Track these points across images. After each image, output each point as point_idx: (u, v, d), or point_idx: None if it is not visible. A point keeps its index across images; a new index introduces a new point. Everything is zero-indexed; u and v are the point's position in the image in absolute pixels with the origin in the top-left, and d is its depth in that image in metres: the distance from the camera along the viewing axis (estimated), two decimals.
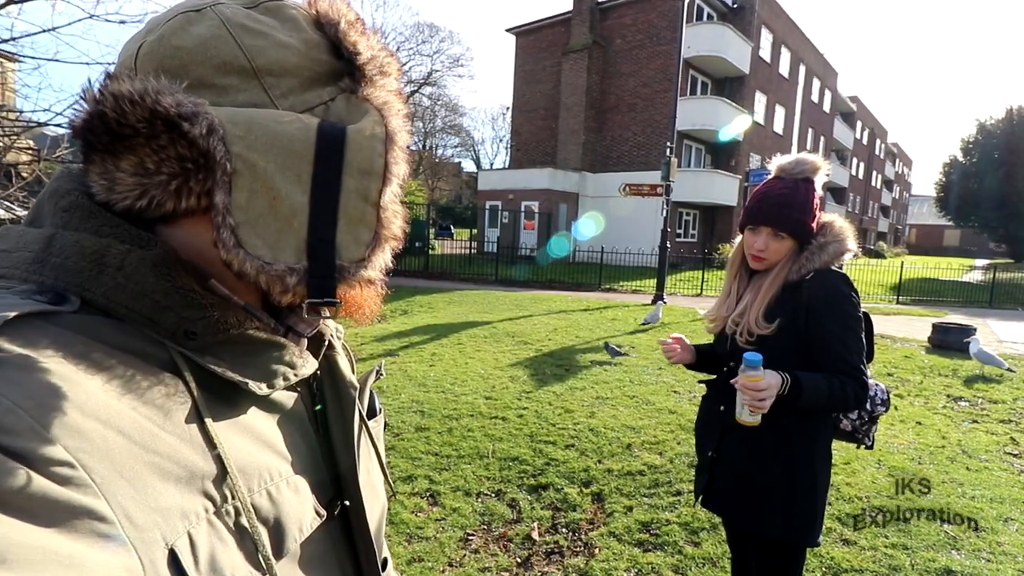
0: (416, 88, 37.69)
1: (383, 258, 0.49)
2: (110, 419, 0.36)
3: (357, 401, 0.59)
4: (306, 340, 0.55)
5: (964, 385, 5.57)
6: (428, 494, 3.09)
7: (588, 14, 21.94)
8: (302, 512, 0.48)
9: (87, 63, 3.30)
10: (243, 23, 0.45)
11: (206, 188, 0.42)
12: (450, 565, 2.51)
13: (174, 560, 0.36)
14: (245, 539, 0.42)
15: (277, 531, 0.45)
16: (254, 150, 0.42)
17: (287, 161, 0.43)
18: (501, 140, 47.56)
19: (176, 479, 0.38)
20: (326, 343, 0.59)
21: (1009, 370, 5.79)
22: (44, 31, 2.78)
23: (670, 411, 4.43)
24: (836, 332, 1.45)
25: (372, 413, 0.66)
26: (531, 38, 24.82)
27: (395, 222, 0.50)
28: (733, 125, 20.68)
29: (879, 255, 33.73)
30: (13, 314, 0.35)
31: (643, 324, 8.33)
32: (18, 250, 0.42)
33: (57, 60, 2.91)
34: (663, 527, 2.77)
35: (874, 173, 49.66)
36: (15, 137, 3.13)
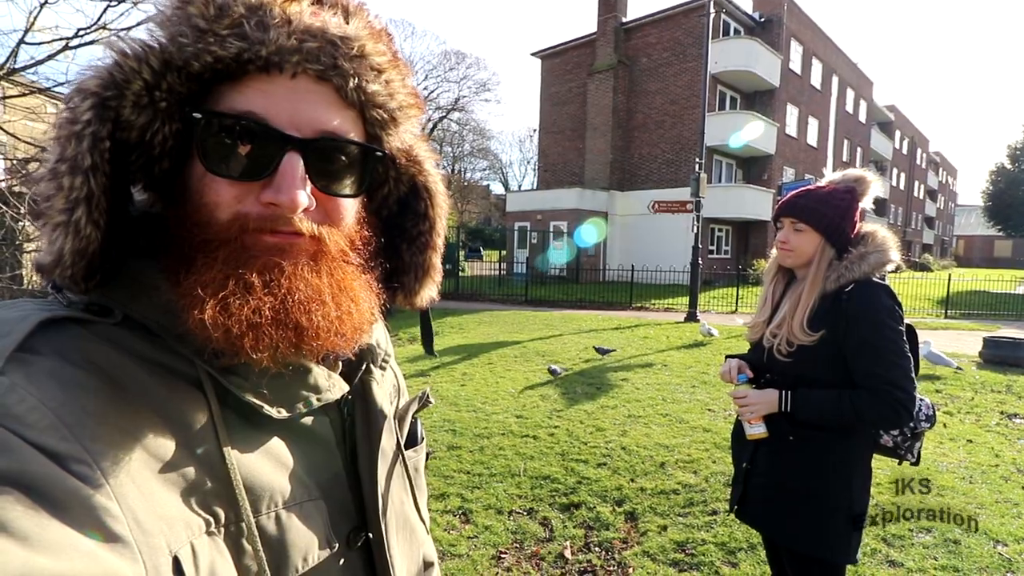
0: (444, 114, 38.68)
1: (58, 240, 0.39)
2: (126, 426, 0.37)
3: (393, 429, 0.58)
4: (340, 364, 0.54)
5: (1020, 401, 5.28)
6: (460, 512, 3.11)
7: (613, 35, 22.19)
8: (310, 540, 0.46)
9: None
10: None
11: None
12: None
13: (177, 568, 0.37)
14: (244, 559, 0.42)
15: (280, 556, 0.44)
16: None
17: None
18: (529, 161, 48.10)
19: (182, 491, 0.39)
20: (363, 367, 0.57)
21: (958, 369, 6.02)
22: None
23: (704, 429, 4.35)
24: (873, 344, 1.42)
25: (413, 442, 0.63)
26: (556, 60, 25.21)
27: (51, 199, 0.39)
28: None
29: (925, 268, 32.29)
30: (47, 316, 0.38)
31: (709, 335, 8.34)
32: None
33: None
34: (699, 547, 2.71)
35: (916, 183, 47.90)
36: None
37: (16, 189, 3.40)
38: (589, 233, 20.13)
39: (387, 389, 0.61)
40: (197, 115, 0.41)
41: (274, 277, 0.43)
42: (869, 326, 1.42)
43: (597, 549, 2.78)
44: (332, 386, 0.51)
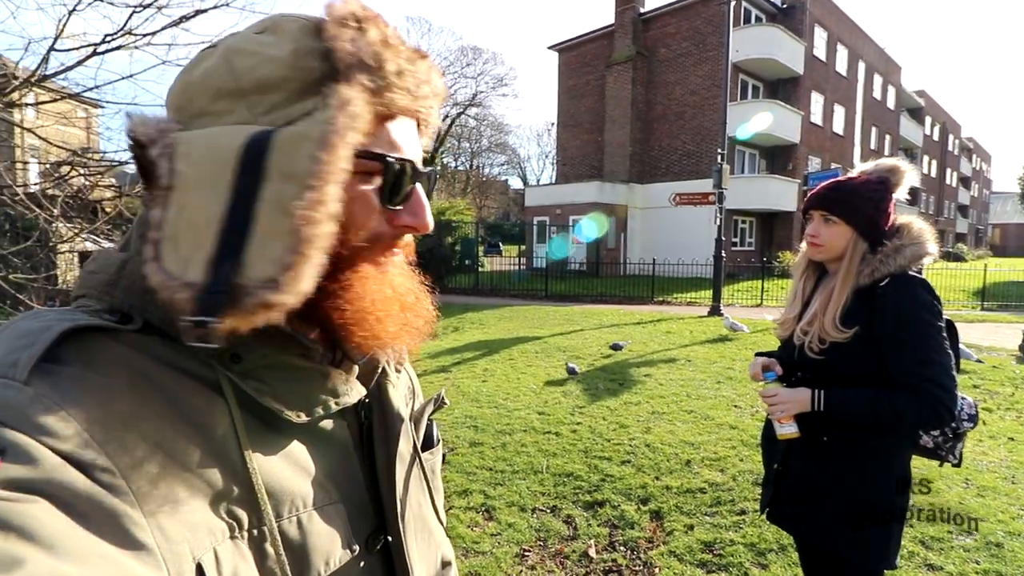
0: (462, 110, 38.67)
1: (308, 279, 0.39)
2: (150, 433, 0.38)
3: (409, 432, 0.59)
4: (357, 367, 0.55)
5: None
6: (483, 509, 3.10)
7: (631, 26, 21.89)
8: (331, 545, 0.47)
9: (162, 105, 3.65)
10: (241, 47, 0.44)
11: None
12: None
13: (201, 575, 0.37)
14: (267, 563, 0.42)
15: (302, 561, 0.45)
16: (192, 165, 0.41)
17: (213, 172, 0.40)
18: (547, 156, 47.88)
19: (206, 496, 0.39)
20: (379, 370, 0.58)
21: (978, 361, 5.85)
22: (123, 78, 3.03)
23: (731, 426, 4.27)
24: (911, 341, 1.35)
25: (429, 444, 0.63)
26: (574, 53, 24.98)
27: (328, 236, 0.40)
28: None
29: (959, 258, 31.20)
30: (70, 325, 0.38)
31: (733, 330, 7.98)
32: (100, 272, 0.45)
33: (135, 104, 3.19)
34: (727, 547, 2.66)
35: (948, 171, 46.36)
36: (99, 176, 3.44)
37: (49, 192, 3.50)
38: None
39: (403, 392, 0.62)
40: (392, 159, 0.47)
41: (399, 284, 0.51)
42: (906, 322, 1.36)
43: (622, 548, 2.74)
44: (349, 390, 0.52)
